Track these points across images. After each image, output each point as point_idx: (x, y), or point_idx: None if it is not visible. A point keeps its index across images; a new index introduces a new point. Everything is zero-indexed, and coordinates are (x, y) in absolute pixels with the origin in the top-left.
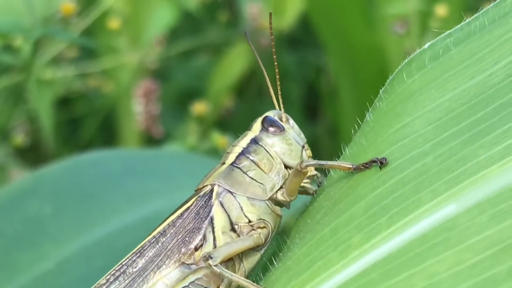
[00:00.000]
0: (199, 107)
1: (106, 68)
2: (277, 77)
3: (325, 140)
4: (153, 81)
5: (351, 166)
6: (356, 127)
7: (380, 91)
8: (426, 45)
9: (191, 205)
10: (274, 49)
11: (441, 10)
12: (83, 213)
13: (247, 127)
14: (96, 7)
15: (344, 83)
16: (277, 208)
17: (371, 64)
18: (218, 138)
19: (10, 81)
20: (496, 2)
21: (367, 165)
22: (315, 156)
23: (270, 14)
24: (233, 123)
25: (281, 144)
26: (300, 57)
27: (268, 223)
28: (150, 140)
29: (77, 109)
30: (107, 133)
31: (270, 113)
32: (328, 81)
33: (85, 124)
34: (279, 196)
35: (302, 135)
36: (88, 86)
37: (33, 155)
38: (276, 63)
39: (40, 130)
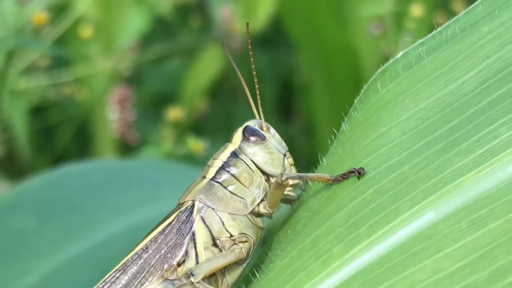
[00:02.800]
0: (174, 113)
1: (80, 76)
2: (256, 86)
3: (300, 139)
4: (127, 88)
5: (330, 178)
6: (335, 130)
7: (355, 100)
8: (399, 55)
9: (173, 220)
10: (252, 59)
11: (416, 11)
12: (66, 226)
13: (222, 130)
14: (68, 15)
15: (317, 82)
16: (258, 220)
17: (343, 62)
18: (194, 144)
19: None
20: (466, 10)
21: (345, 176)
22: (291, 154)
23: (247, 24)
24: (208, 126)
25: (263, 153)
26: (273, 57)
27: (249, 237)
28: (126, 147)
29: (51, 118)
30: (82, 141)
31: (251, 123)
32: (301, 80)
33: (60, 132)
34: (261, 209)
35: (284, 144)
36: (62, 95)
37: (7, 164)
38: (254, 73)
39: (15, 139)
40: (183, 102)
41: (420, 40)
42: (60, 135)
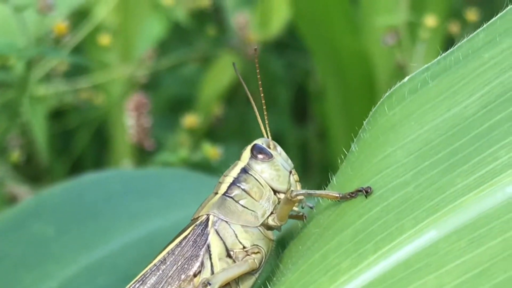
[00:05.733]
0: (190, 119)
1: (98, 82)
2: (264, 107)
3: (314, 143)
4: (144, 95)
5: (338, 195)
6: (352, 135)
7: (364, 122)
8: (406, 79)
9: (189, 233)
10: (260, 82)
11: (429, 21)
12: (85, 233)
13: (237, 135)
14: (87, 22)
15: (331, 88)
16: (269, 233)
17: (357, 70)
18: (209, 150)
19: (5, 98)
20: (469, 37)
21: (353, 194)
22: (305, 161)
23: (256, 49)
24: (223, 131)
25: (270, 170)
26: (288, 61)
27: (261, 248)
28: (143, 152)
29: (69, 122)
30: (100, 146)
31: (259, 141)
32: (316, 86)
33: (78, 137)
34: (270, 222)
35: (289, 161)
36: (80, 99)
37: (27, 168)
38: (261, 89)
39: (33, 144)
40: (199, 107)
41: (425, 65)
42: (78, 139)
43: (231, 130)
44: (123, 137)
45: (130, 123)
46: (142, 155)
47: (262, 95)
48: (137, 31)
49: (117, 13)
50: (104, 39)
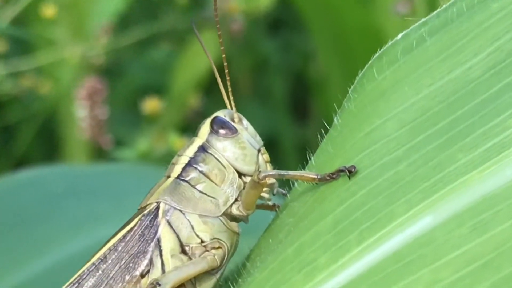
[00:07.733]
0: (152, 104)
1: (43, 64)
2: (226, 71)
3: (317, 143)
4: (99, 80)
5: (316, 177)
6: (323, 131)
7: (349, 90)
8: (399, 36)
9: (135, 225)
10: (221, 40)
11: None
12: (17, 244)
13: None
14: None
15: (335, 72)
16: (234, 224)
17: (367, 48)
18: (176, 141)
19: None
20: None
21: (334, 175)
22: (305, 166)
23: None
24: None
25: (234, 149)
26: (284, 42)
27: (223, 243)
28: (100, 150)
29: (9, 115)
30: (48, 143)
31: (220, 113)
32: (317, 71)
33: (20, 132)
34: (235, 211)
35: (258, 137)
36: (22, 88)
37: None
38: (224, 55)
39: None
40: (172, 98)
41: (423, 19)
42: (21, 136)
43: None
44: (76, 133)
45: (81, 114)
46: (100, 154)
47: (224, 55)
48: (92, 1)
49: None
50: (49, 10)
